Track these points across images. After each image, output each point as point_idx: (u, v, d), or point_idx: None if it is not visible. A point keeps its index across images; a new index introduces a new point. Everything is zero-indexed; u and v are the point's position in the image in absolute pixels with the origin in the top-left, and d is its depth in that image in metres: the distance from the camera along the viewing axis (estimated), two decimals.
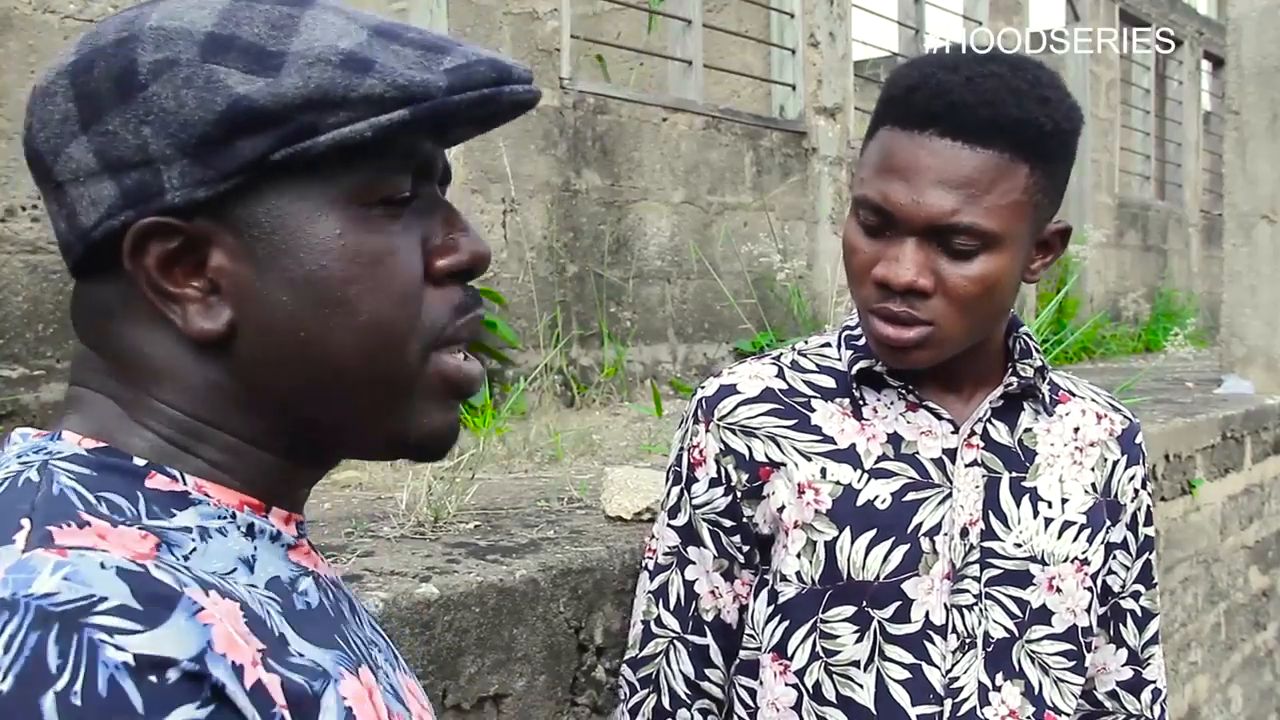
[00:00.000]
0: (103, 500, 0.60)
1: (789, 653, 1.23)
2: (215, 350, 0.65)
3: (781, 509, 1.24)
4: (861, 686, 1.21)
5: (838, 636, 1.21)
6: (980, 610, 1.22)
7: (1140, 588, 1.37)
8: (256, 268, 0.63)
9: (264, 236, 0.63)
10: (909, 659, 1.21)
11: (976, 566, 1.22)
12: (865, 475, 1.22)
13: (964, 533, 1.22)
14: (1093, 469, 1.29)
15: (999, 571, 1.23)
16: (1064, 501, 1.26)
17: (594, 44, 5.10)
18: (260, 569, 0.65)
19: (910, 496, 1.22)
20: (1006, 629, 1.23)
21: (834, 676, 1.22)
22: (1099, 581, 1.29)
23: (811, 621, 1.22)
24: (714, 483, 1.27)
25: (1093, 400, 1.34)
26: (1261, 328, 4.76)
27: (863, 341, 1.26)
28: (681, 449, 1.31)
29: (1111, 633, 1.37)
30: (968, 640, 1.22)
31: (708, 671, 1.31)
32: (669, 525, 1.32)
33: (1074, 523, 1.26)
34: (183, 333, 0.64)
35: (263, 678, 0.56)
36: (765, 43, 5.58)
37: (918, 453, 1.23)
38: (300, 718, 0.58)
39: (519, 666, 1.52)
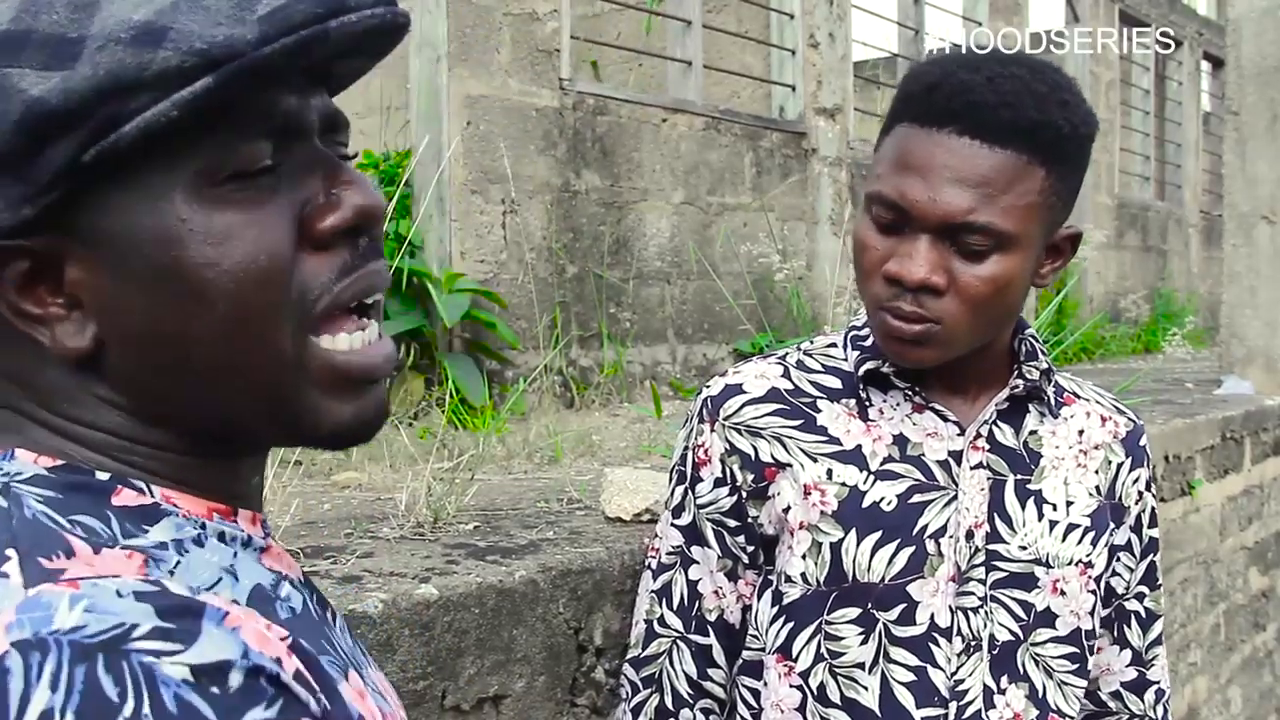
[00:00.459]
0: (76, 524, 0.57)
1: (794, 654, 1.23)
2: (93, 365, 0.61)
3: (787, 510, 1.23)
4: (866, 689, 1.21)
5: (843, 638, 1.21)
6: (986, 613, 1.22)
7: (1145, 589, 1.37)
8: (110, 274, 0.59)
9: (109, 240, 0.59)
10: (914, 661, 1.21)
11: (982, 569, 1.22)
12: (871, 477, 1.22)
13: (969, 535, 1.22)
14: (1096, 472, 1.29)
15: (1004, 574, 1.23)
16: (1068, 504, 1.26)
17: (594, 45, 5.10)
18: (244, 578, 0.63)
19: (916, 498, 1.22)
20: (1011, 632, 1.23)
21: (839, 678, 1.22)
22: (1102, 584, 1.29)
23: (816, 623, 1.22)
24: (719, 482, 1.27)
25: (1097, 402, 1.34)
26: (1261, 328, 4.76)
27: (869, 342, 1.25)
28: (686, 448, 1.31)
29: (1115, 634, 1.37)
30: (973, 643, 1.22)
31: (710, 671, 1.31)
32: (673, 525, 1.32)
33: (1078, 526, 1.26)
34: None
35: (300, 665, 0.55)
36: (765, 43, 5.58)
37: (923, 455, 1.23)
38: (331, 703, 0.57)
39: (518, 667, 1.52)
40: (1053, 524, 1.25)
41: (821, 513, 1.22)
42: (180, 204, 0.58)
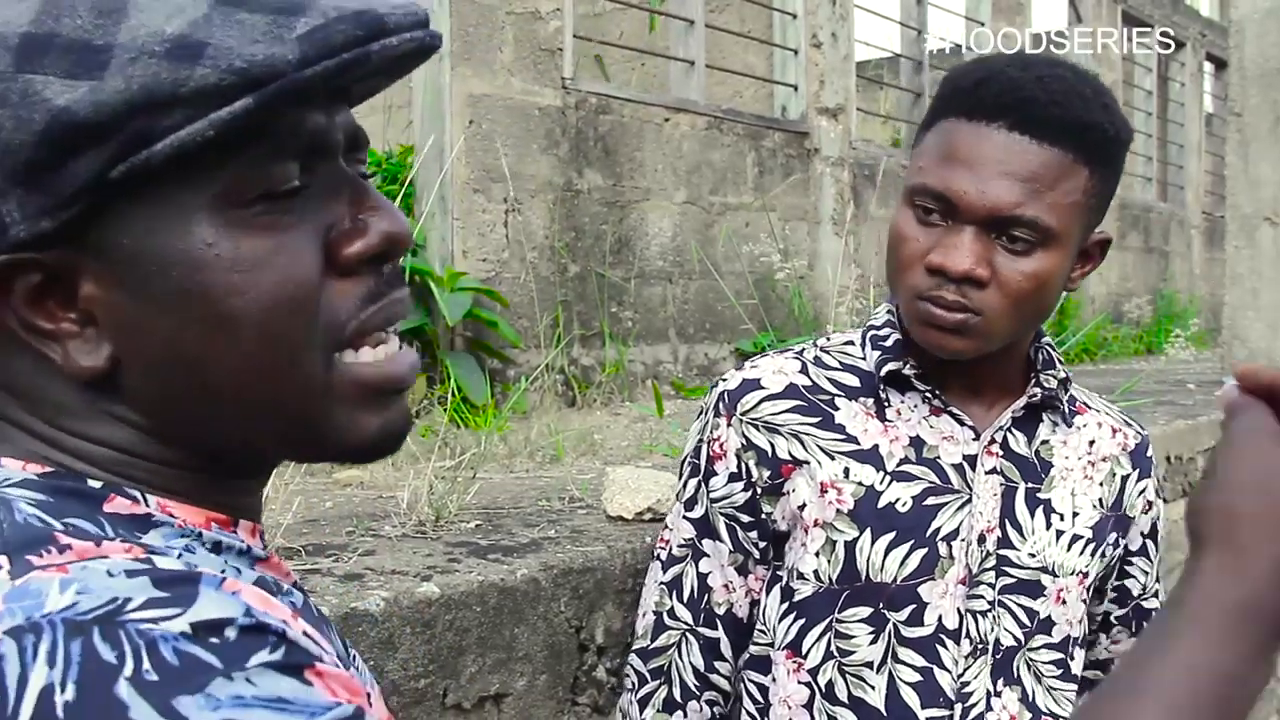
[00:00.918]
0: (70, 526, 0.55)
1: (803, 650, 1.24)
2: (106, 384, 0.59)
3: (802, 507, 1.24)
4: (873, 688, 1.22)
5: (853, 637, 1.22)
6: (994, 617, 1.23)
7: (1160, 588, 1.38)
8: (129, 293, 0.57)
9: (130, 258, 0.56)
10: (920, 662, 1.22)
11: (992, 574, 1.23)
12: (887, 477, 1.22)
13: (981, 539, 1.23)
14: (1101, 484, 1.30)
15: (1013, 580, 1.24)
16: (1074, 515, 1.27)
17: (597, 44, 5.10)
18: (245, 576, 0.62)
19: (930, 500, 1.22)
20: (1015, 637, 1.24)
21: (847, 676, 1.22)
22: (1091, 589, 1.30)
23: (827, 620, 1.22)
24: (733, 477, 1.27)
25: (1106, 414, 1.35)
26: (1263, 330, 4.75)
27: (890, 343, 1.26)
28: (700, 441, 1.30)
29: (1133, 630, 1.39)
30: (980, 646, 1.23)
31: (717, 664, 1.31)
32: (684, 517, 1.32)
33: (1081, 537, 1.27)
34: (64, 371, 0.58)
35: (307, 629, 0.55)
36: (768, 43, 5.58)
37: (939, 457, 1.24)
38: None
39: (520, 666, 1.52)
40: (1059, 534, 1.26)
41: (837, 511, 1.22)
42: (205, 226, 0.56)
